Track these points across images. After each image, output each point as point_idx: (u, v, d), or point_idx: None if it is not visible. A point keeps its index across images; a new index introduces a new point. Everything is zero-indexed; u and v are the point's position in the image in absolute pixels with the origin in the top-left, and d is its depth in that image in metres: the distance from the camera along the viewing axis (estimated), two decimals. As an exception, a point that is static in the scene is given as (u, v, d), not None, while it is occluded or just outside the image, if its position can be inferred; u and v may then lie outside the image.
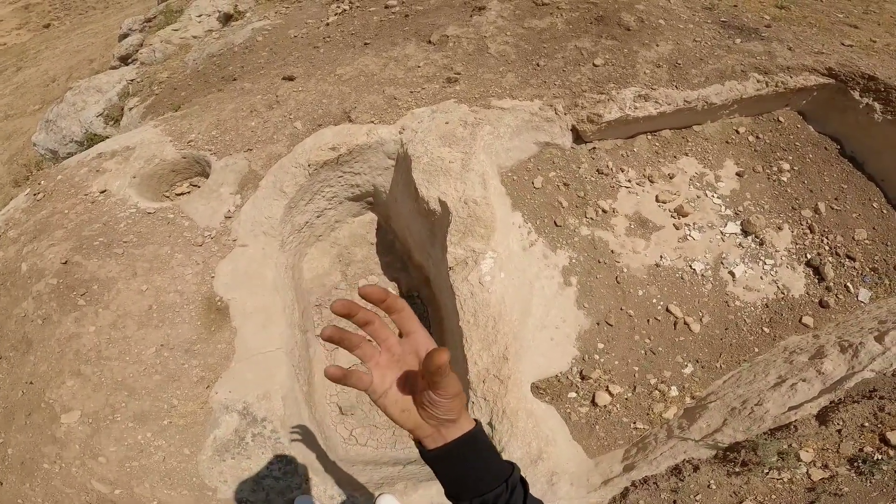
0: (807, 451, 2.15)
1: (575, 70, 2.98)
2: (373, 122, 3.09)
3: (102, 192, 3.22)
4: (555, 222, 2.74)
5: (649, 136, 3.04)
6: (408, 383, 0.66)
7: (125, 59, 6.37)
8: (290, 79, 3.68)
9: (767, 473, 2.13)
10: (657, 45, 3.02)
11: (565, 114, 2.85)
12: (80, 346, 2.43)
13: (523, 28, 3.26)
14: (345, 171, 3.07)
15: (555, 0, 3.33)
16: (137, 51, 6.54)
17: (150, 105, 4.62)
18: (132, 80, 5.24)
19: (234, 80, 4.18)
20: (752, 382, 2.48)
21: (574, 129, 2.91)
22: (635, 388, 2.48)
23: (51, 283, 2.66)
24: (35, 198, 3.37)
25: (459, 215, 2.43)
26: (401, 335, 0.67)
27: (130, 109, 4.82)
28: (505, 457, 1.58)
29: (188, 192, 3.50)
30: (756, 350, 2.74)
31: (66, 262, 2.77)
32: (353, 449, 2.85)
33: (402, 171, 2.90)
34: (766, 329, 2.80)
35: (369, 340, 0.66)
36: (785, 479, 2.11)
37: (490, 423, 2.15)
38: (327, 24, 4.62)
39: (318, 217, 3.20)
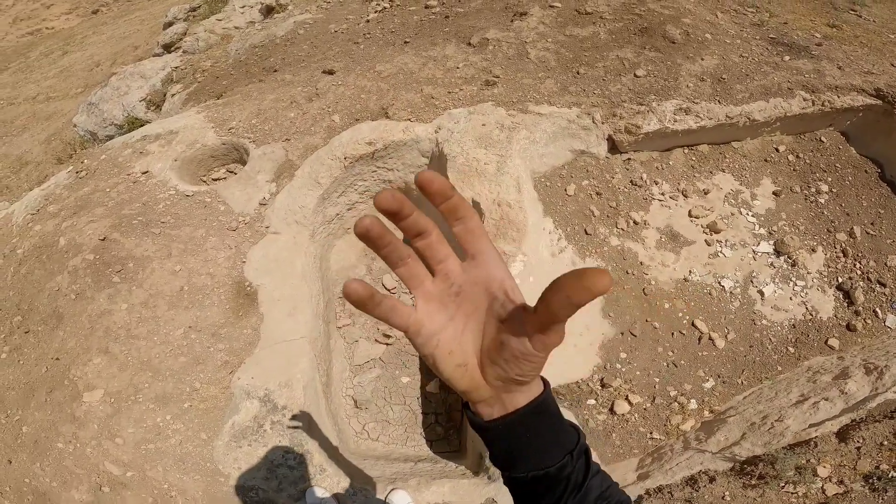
0: (824, 467, 2.14)
1: (615, 80, 2.84)
2: (409, 119, 3.00)
3: (144, 173, 3.19)
4: (585, 231, 2.61)
5: (686, 150, 2.89)
6: (469, 327, 0.46)
7: (168, 47, 6.39)
8: (330, 73, 3.60)
9: (783, 487, 2.12)
10: (702, 59, 2.85)
11: (603, 123, 2.72)
12: (110, 324, 2.39)
13: (565, 35, 3.13)
14: (378, 165, 2.98)
15: (598, 10, 3.18)
16: (181, 39, 6.56)
17: (193, 92, 4.60)
18: (176, 68, 5.24)
19: (276, 71, 4.13)
20: (772, 399, 2.38)
21: (610, 139, 2.77)
22: (654, 398, 2.36)
23: (87, 259, 2.64)
24: (77, 175, 3.36)
25: (492, 217, 2.32)
26: (464, 258, 0.47)
27: (173, 96, 4.82)
28: None
29: (224, 178, 3.46)
30: (779, 368, 2.60)
31: (104, 239, 2.74)
32: (365, 443, 2.78)
33: (436, 170, 2.80)
34: (790, 349, 2.65)
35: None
36: (800, 493, 2.10)
37: None
38: (367, 21, 4.54)
39: (348, 210, 3.12)
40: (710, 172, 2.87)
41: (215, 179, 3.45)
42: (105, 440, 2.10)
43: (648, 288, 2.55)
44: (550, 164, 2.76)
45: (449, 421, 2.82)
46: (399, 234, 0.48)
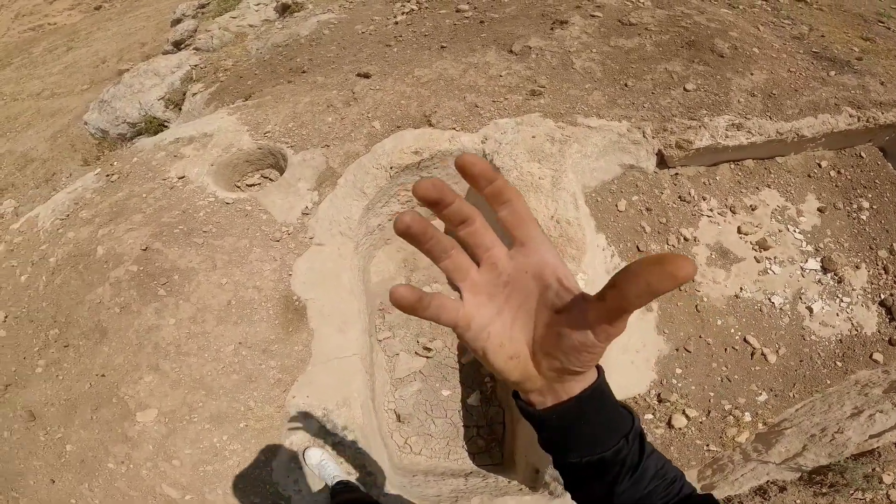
0: (888, 475, 2.28)
1: (665, 93, 2.80)
2: (454, 128, 2.93)
3: (181, 178, 3.09)
4: (637, 247, 2.58)
5: (732, 166, 2.86)
6: (520, 317, 0.43)
7: (179, 45, 6.23)
8: (366, 76, 3.51)
9: (852, 494, 2.24)
10: (751, 74, 2.82)
11: (653, 137, 2.67)
12: (159, 340, 2.31)
13: (609, 46, 3.07)
14: (423, 175, 2.91)
15: (642, 21, 3.13)
16: (191, 36, 6.39)
17: (216, 92, 4.48)
18: (195, 66, 5.11)
19: (304, 72, 4.02)
20: (827, 412, 2.42)
21: (659, 154, 2.73)
22: (710, 412, 2.35)
23: (131, 270, 2.55)
24: (108, 179, 3.25)
25: (551, 234, 2.27)
26: (511, 245, 0.44)
27: (194, 95, 4.69)
28: None
29: (259, 184, 3.38)
30: (828, 382, 2.62)
31: (146, 249, 2.65)
32: (408, 457, 2.73)
33: None
34: (838, 363, 2.67)
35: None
36: (867, 500, 2.24)
37: None
38: (396, 23, 4.44)
39: (389, 220, 3.05)
40: (757, 188, 2.85)
41: (250, 185, 3.36)
42: (161, 461, 2.03)
43: (701, 304, 2.53)
44: (600, 178, 2.72)
45: (490, 434, 2.78)
46: (440, 226, 0.44)
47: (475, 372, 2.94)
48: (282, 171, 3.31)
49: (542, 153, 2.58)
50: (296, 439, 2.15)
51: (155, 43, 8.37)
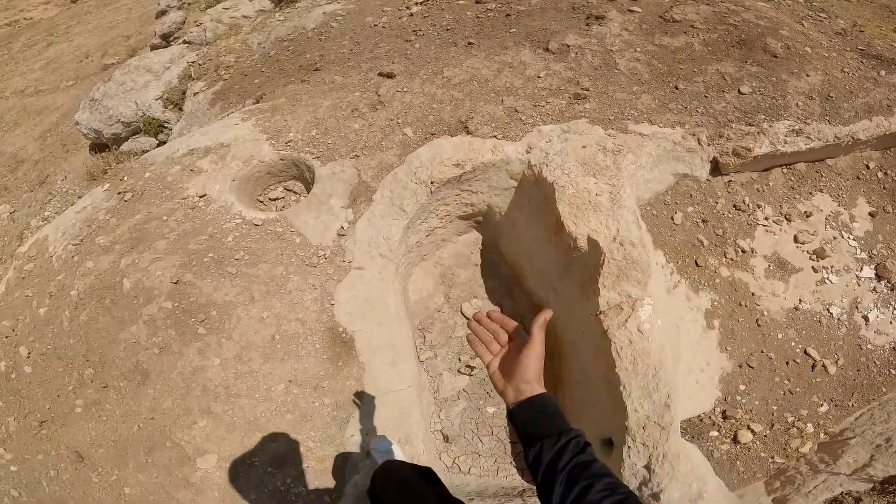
0: None
1: (718, 97, 2.65)
2: (495, 136, 2.76)
3: (202, 196, 2.89)
4: (696, 262, 2.48)
5: (784, 170, 2.75)
6: (503, 364, 0.94)
7: (168, 38, 5.86)
8: (390, 76, 3.30)
9: None
10: (807, 75, 2.68)
11: (709, 144, 2.54)
12: (206, 382, 2.17)
13: (654, 45, 2.90)
14: (463, 188, 2.76)
15: (686, 18, 2.95)
16: (180, 28, 6.01)
17: (220, 91, 4.21)
18: (192, 63, 4.78)
19: (317, 70, 3.77)
20: (887, 421, 2.42)
21: (713, 161, 2.61)
22: (773, 425, 2.32)
23: (165, 307, 2.38)
24: (122, 198, 3.03)
25: (614, 257, 2.16)
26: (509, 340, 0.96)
27: (195, 95, 4.41)
28: (663, 497, 1.92)
29: (282, 197, 3.18)
30: (884, 390, 2.61)
31: (177, 282, 2.47)
32: (457, 477, 2.67)
33: (533, 197, 2.60)
34: (893, 371, 2.65)
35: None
36: None
37: (648, 467, 1.96)
38: (411, 14, 4.18)
39: (427, 236, 2.90)
40: (810, 193, 2.75)
41: (273, 199, 3.17)
42: (226, 511, 1.93)
43: (762, 319, 2.47)
44: (654, 189, 2.59)
45: (545, 454, 2.71)
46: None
47: (521, 389, 2.86)
48: (307, 182, 3.12)
49: (596, 165, 2.43)
50: (359, 479, 2.06)
51: (140, 36, 7.87)
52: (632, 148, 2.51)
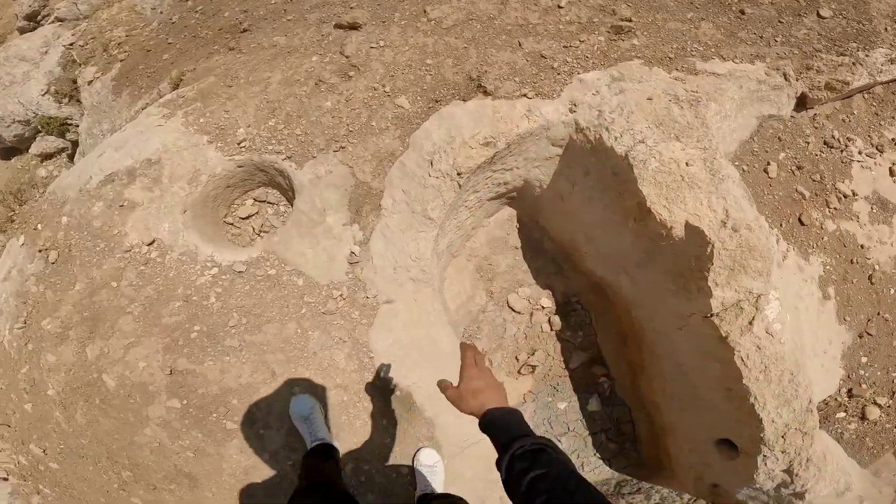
0: None
1: (796, 22, 1.91)
2: (524, 94, 2.01)
3: (150, 243, 2.17)
4: (800, 220, 2.02)
5: (865, 95, 2.14)
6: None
7: (34, 18, 4.31)
8: (353, 27, 2.33)
9: None
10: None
11: (796, 79, 1.90)
12: (263, 478, 1.80)
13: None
14: (495, 168, 2.11)
15: None
16: (45, 6, 4.40)
17: (120, 76, 3.08)
18: (71, 45, 3.46)
19: (245, 31, 2.68)
20: None
21: (801, 97, 1.99)
22: (894, 394, 2.14)
23: (173, 407, 1.88)
24: (47, 259, 2.28)
25: (726, 247, 1.67)
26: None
27: (90, 83, 3.27)
28: (808, 497, 1.80)
29: (256, 213, 2.46)
30: None
31: (171, 372, 1.93)
32: None
33: (591, 169, 1.98)
34: None
35: None
36: None
37: (789, 471, 1.79)
38: None
39: (457, 230, 2.32)
40: (892, 117, 2.19)
41: (245, 218, 2.44)
42: None
43: (874, 275, 2.11)
44: (738, 139, 2.01)
45: (620, 434, 2.57)
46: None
47: (586, 374, 2.60)
48: (282, 189, 2.38)
49: (675, 124, 1.80)
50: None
51: (2, 20, 5.78)
52: (710, 94, 1.85)
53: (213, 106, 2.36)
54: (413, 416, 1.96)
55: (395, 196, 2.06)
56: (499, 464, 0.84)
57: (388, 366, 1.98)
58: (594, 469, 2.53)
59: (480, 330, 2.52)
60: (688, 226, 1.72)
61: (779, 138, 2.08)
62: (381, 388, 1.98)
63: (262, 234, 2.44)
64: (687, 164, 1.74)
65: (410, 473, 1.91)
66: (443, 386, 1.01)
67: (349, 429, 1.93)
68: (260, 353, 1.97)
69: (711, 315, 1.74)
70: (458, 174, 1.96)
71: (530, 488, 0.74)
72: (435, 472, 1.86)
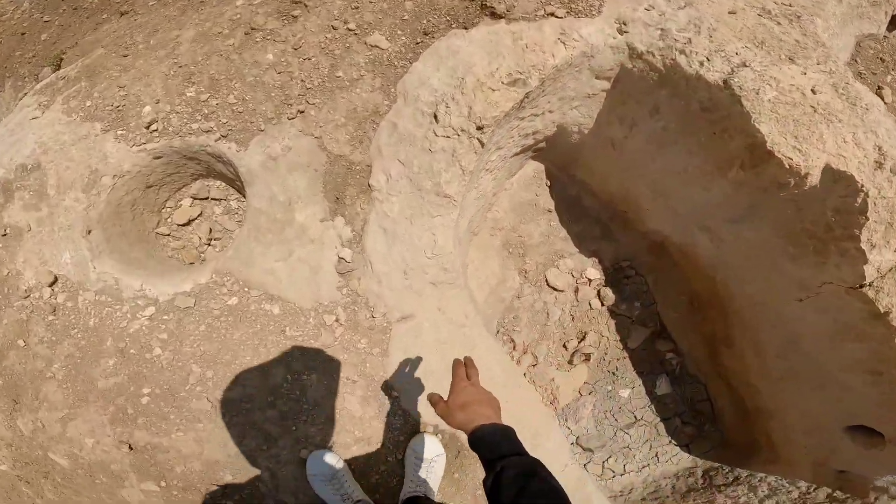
0: None
1: None
2: (552, 13, 1.34)
3: (52, 283, 1.53)
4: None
5: None
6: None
7: None
8: None
9: None
10: None
11: None
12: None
13: None
14: (524, 115, 1.47)
15: None
16: None
17: None
18: None
19: None
20: None
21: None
22: None
23: (151, 491, 1.37)
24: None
25: (883, 194, 1.13)
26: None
27: None
28: None
29: (198, 217, 1.79)
30: None
31: (132, 449, 1.39)
32: (616, 482, 2.16)
33: (661, 104, 1.36)
34: None
35: None
36: None
37: None
38: None
39: (476, 203, 1.71)
40: None
41: (185, 224, 1.78)
42: None
43: None
44: (843, 60, 1.41)
45: (696, 415, 2.16)
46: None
47: (649, 352, 2.14)
48: (228, 179, 1.71)
49: (781, 42, 1.20)
50: None
51: None
52: (809, 9, 1.23)
53: (103, 84, 1.62)
54: (465, 464, 1.47)
55: (389, 170, 1.42)
56: (485, 483, 0.80)
57: (413, 364, 1.45)
58: (671, 458, 2.14)
59: (518, 320, 2.00)
60: (828, 170, 1.16)
61: (881, 59, 1.54)
62: (414, 434, 1.47)
63: (212, 242, 1.80)
64: (814, 91, 1.15)
65: (397, 463, 1.45)
66: (433, 400, 0.97)
67: (384, 490, 1.44)
68: (243, 412, 1.42)
69: (863, 286, 1.23)
70: (479, 128, 1.33)
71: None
72: (433, 467, 1.43)
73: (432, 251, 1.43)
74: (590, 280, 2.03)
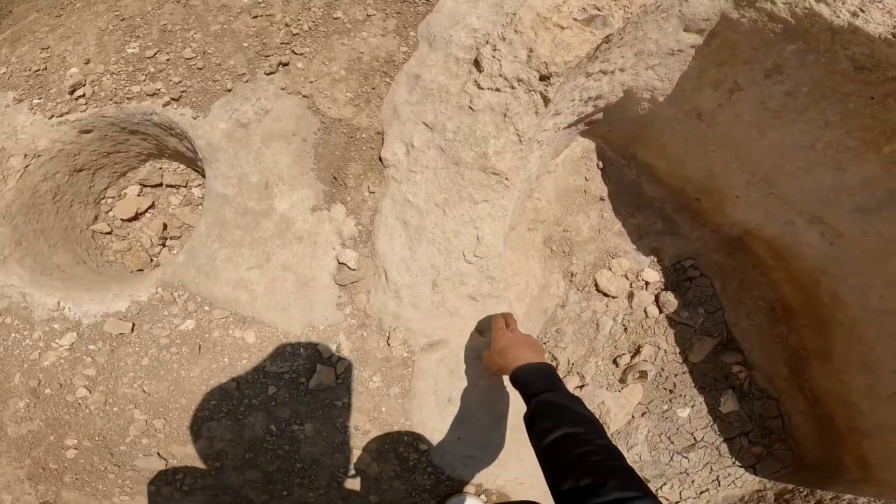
0: None
1: None
2: None
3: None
4: None
5: None
6: None
7: None
8: None
9: None
10: None
11: None
12: None
13: None
14: (592, 70, 1.04)
15: None
16: None
17: None
18: None
19: None
20: None
21: None
22: None
23: None
24: None
25: None
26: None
27: None
28: None
29: (149, 209, 1.32)
30: None
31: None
32: None
33: (793, 62, 0.95)
34: None
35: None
36: None
37: None
38: None
39: (521, 182, 1.27)
40: None
41: (131, 219, 1.31)
42: None
43: None
44: None
45: (765, 433, 1.78)
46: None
47: (714, 365, 1.74)
48: (185, 160, 1.25)
49: None
50: None
51: None
52: None
53: (25, 47, 1.14)
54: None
55: (410, 138, 0.99)
56: (525, 419, 0.81)
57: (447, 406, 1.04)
58: (734, 481, 1.76)
59: (562, 334, 1.58)
60: None
61: None
62: (448, 492, 1.05)
63: (168, 241, 1.34)
64: None
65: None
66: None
67: None
68: (211, 473, 0.97)
69: None
70: (544, 77, 0.90)
71: (557, 446, 0.71)
72: None
73: (474, 252, 1.00)
74: (647, 283, 1.62)
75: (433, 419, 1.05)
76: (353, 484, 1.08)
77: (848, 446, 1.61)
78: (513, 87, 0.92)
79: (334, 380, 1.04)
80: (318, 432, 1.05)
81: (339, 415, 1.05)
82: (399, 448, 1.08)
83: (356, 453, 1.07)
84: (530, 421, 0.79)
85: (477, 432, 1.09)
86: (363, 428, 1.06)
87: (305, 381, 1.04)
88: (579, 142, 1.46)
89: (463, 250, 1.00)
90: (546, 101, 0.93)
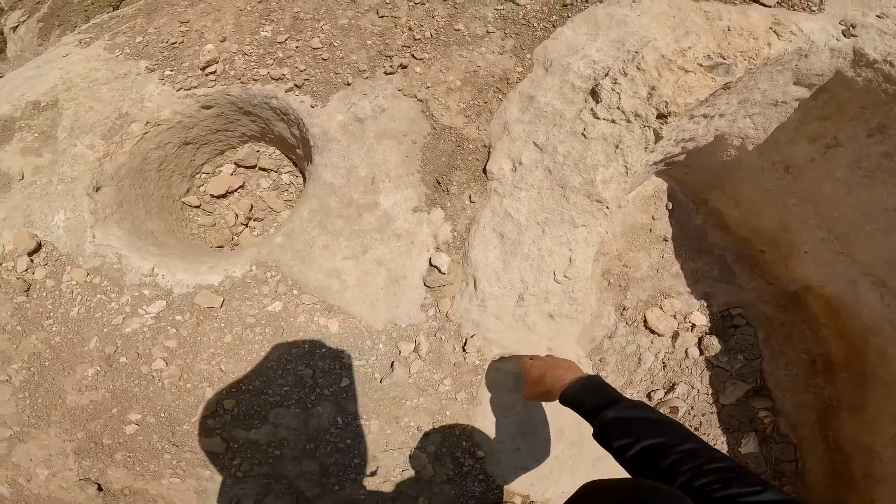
0: None
1: None
2: (758, 0, 0.95)
3: (33, 252, 1.06)
4: None
5: None
6: None
7: None
8: None
9: None
10: None
11: None
12: None
13: None
14: (696, 113, 1.05)
15: None
16: None
17: (48, 16, 1.91)
18: None
19: None
20: None
21: None
22: None
23: None
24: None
25: None
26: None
27: (15, 30, 2.05)
28: None
29: (239, 188, 1.33)
30: None
31: (101, 490, 0.95)
32: None
33: (891, 123, 0.97)
34: None
35: None
36: None
37: None
38: None
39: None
40: None
41: (221, 196, 1.32)
42: None
43: None
44: None
45: (777, 476, 1.73)
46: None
47: (742, 409, 1.70)
48: (286, 147, 1.26)
49: None
50: None
51: None
52: None
53: (163, 19, 1.18)
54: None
55: (519, 155, 0.99)
56: (595, 438, 0.79)
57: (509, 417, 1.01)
58: None
59: (605, 364, 1.55)
60: None
61: None
62: (496, 501, 1.01)
63: (251, 223, 1.34)
64: None
65: None
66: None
67: None
68: (270, 461, 0.95)
69: None
70: (661, 116, 0.91)
71: (643, 458, 0.69)
72: None
73: (564, 273, 0.99)
74: (693, 325, 1.60)
75: (494, 428, 1.02)
76: (405, 484, 1.05)
77: (859, 491, 1.57)
78: (629, 121, 0.93)
79: (407, 379, 1.02)
80: (383, 429, 1.02)
81: (406, 414, 1.03)
82: (456, 453, 1.05)
83: (415, 454, 1.04)
84: (602, 440, 0.77)
85: (536, 444, 1.06)
86: (424, 429, 1.03)
87: (379, 377, 1.02)
88: (652, 181, 1.47)
89: (554, 269, 0.99)
90: (658, 138, 0.94)
